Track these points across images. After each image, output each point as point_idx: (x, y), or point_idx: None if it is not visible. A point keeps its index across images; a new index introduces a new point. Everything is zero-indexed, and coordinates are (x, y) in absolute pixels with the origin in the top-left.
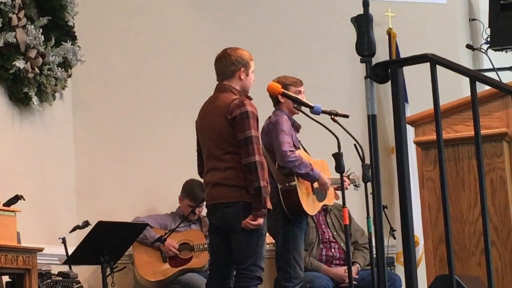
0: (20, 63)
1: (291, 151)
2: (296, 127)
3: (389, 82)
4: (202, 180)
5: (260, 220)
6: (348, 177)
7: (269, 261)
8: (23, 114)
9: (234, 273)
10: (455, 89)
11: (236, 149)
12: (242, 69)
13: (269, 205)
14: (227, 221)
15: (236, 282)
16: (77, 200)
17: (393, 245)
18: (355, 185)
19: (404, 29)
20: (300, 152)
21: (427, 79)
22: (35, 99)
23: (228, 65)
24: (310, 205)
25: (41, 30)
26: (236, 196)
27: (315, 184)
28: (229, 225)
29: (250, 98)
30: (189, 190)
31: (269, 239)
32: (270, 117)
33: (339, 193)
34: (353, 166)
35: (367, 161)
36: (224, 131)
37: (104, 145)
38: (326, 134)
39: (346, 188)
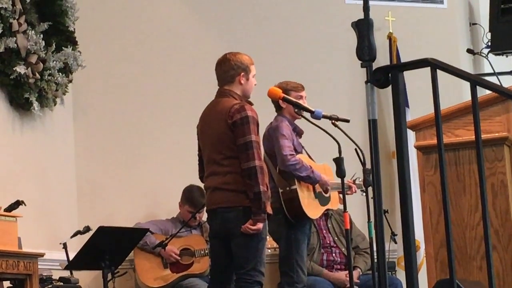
0: (20, 69)
1: (291, 154)
2: (298, 132)
3: (390, 87)
4: (202, 185)
5: (260, 225)
6: (354, 182)
7: (272, 266)
8: (24, 119)
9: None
10: (455, 93)
11: (236, 154)
12: (242, 73)
13: (269, 210)
14: (227, 226)
15: (236, 286)
16: (78, 205)
17: (394, 250)
18: (362, 190)
19: (405, 33)
20: (302, 157)
21: (427, 83)
22: (35, 104)
23: (228, 70)
24: (312, 209)
25: (41, 36)
26: (235, 200)
27: (317, 188)
28: (229, 230)
29: (251, 103)
30: (189, 196)
31: (271, 243)
32: (271, 122)
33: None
34: (354, 171)
35: (368, 165)
36: (224, 135)
37: (105, 150)
38: (327, 138)
39: (355, 191)
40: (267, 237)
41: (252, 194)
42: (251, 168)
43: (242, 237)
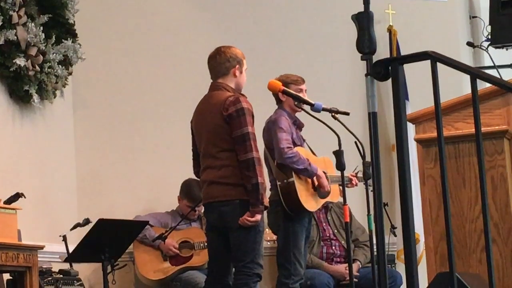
0: (20, 61)
1: (288, 147)
2: (299, 125)
3: (390, 80)
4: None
5: (258, 217)
6: (356, 175)
7: (272, 259)
8: (24, 111)
9: (233, 271)
10: (455, 86)
11: (232, 146)
12: (237, 66)
13: (266, 202)
14: (224, 219)
15: (235, 279)
16: (78, 197)
17: (394, 243)
18: (369, 185)
19: (405, 26)
20: (301, 149)
21: (427, 76)
22: (35, 97)
23: (223, 62)
24: (310, 202)
25: (41, 28)
26: (232, 194)
27: (316, 180)
28: (226, 223)
29: (244, 96)
30: (187, 191)
31: (270, 236)
32: (271, 116)
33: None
34: (354, 163)
35: (368, 158)
36: (219, 128)
37: (105, 142)
38: (327, 131)
39: (356, 185)
40: (267, 229)
41: (250, 186)
42: (249, 159)
43: (240, 230)
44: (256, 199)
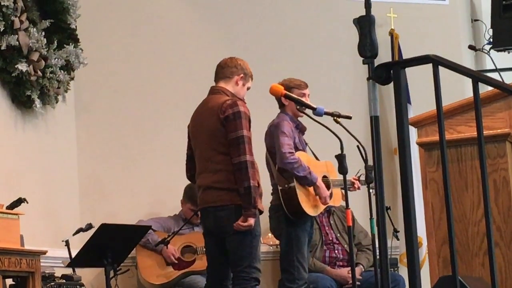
0: (22, 66)
1: (290, 152)
2: (301, 129)
3: (392, 83)
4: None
5: (251, 221)
6: (358, 179)
7: (274, 263)
8: (26, 117)
9: (232, 275)
10: (457, 90)
11: (228, 149)
12: (242, 75)
13: (261, 207)
14: (219, 225)
15: (233, 284)
16: (80, 202)
17: (397, 246)
18: (372, 188)
19: (407, 30)
20: (302, 154)
21: (429, 80)
22: (37, 102)
23: (231, 66)
24: (312, 206)
25: (43, 33)
26: (227, 199)
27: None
28: (222, 228)
29: (242, 101)
30: (191, 195)
31: (273, 240)
32: (273, 120)
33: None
34: (356, 167)
35: (370, 162)
36: (216, 131)
37: (107, 147)
38: (329, 135)
39: (359, 188)
40: (270, 234)
41: (242, 189)
42: (242, 162)
43: (236, 235)
44: (249, 203)
